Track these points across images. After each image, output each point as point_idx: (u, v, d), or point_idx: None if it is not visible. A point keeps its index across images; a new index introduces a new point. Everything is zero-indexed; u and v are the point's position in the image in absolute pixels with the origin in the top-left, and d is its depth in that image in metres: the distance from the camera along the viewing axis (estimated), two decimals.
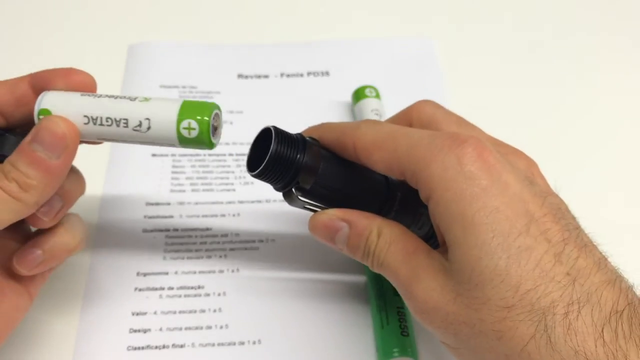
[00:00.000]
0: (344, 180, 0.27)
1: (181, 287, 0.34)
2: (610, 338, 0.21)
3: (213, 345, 0.32)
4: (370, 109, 0.41)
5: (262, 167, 0.25)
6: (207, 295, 0.34)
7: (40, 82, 0.26)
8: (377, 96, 0.43)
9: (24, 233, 0.29)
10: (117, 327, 0.32)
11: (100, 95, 0.25)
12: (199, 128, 0.24)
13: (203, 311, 0.33)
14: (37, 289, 0.29)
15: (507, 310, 0.22)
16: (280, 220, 0.37)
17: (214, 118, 0.24)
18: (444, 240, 0.24)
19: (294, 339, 0.32)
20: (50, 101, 0.25)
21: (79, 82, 0.26)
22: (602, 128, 0.45)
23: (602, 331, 0.21)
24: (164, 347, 0.31)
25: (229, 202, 0.38)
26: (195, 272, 0.34)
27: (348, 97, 0.44)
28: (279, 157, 0.25)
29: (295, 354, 0.32)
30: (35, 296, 0.29)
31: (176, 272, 0.34)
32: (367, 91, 0.43)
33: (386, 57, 0.48)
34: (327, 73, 0.47)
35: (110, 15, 0.50)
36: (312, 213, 0.28)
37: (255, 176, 0.26)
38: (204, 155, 0.40)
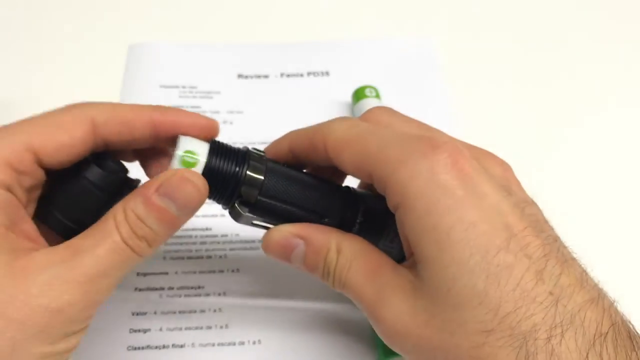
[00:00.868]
0: (294, 192, 0.25)
1: (181, 287, 0.34)
2: None
3: (213, 345, 0.32)
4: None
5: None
6: (207, 295, 0.34)
7: (163, 121, 0.25)
8: (377, 96, 0.43)
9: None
10: (117, 327, 0.32)
11: None
12: None
13: (203, 311, 0.33)
14: None
15: (486, 335, 0.20)
16: None
17: None
18: (412, 252, 0.23)
19: (294, 339, 0.32)
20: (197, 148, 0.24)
21: (204, 128, 0.25)
22: (601, 128, 0.45)
23: (587, 357, 0.19)
24: (164, 347, 0.31)
25: None
26: (195, 272, 0.34)
27: (348, 97, 0.44)
28: (214, 171, 0.24)
29: (295, 354, 0.32)
30: None
31: (176, 272, 0.34)
32: (367, 91, 0.43)
33: (386, 57, 0.48)
34: (327, 73, 0.47)
35: (110, 15, 0.50)
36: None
37: None
38: None
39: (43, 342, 0.21)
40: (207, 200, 0.25)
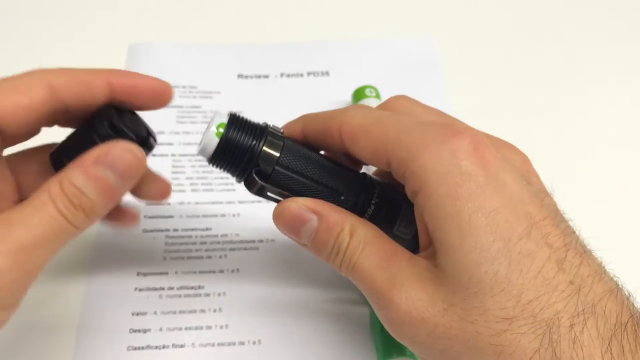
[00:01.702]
0: (311, 166, 0.25)
1: (181, 287, 0.34)
2: (618, 352, 0.19)
3: (213, 345, 0.32)
4: None
5: (214, 150, 0.25)
6: (207, 295, 0.34)
7: (119, 82, 0.25)
8: (377, 96, 0.43)
9: None
10: (117, 327, 0.32)
11: None
12: None
13: (203, 311, 0.33)
14: None
15: (508, 322, 0.20)
16: None
17: None
18: (429, 242, 0.23)
19: (294, 339, 0.32)
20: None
21: (157, 90, 0.26)
22: (602, 128, 0.45)
23: (610, 344, 0.19)
24: (164, 347, 0.31)
25: (229, 202, 0.38)
26: (195, 272, 0.34)
27: (348, 97, 0.44)
28: (234, 142, 0.25)
29: (295, 354, 0.32)
30: None
31: (176, 272, 0.34)
32: (367, 91, 0.43)
33: (386, 57, 0.48)
34: (327, 73, 0.47)
35: (111, 15, 0.50)
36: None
37: (211, 162, 0.26)
38: None
39: None
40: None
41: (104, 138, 0.24)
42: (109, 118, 0.25)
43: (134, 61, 0.46)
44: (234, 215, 0.37)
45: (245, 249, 0.36)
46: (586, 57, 0.50)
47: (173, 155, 0.40)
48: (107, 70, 0.25)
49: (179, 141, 0.41)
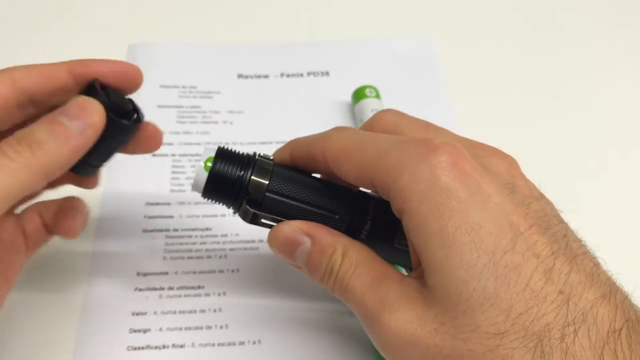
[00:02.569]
0: (301, 189, 0.26)
1: (181, 287, 0.34)
2: None
3: (213, 345, 0.32)
4: (370, 109, 0.41)
5: (205, 185, 0.25)
6: (207, 295, 0.34)
7: (82, 71, 0.25)
8: (377, 96, 0.43)
9: None
10: (117, 327, 0.32)
11: None
12: None
13: (203, 311, 0.33)
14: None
15: (500, 337, 0.20)
16: None
17: None
18: (418, 262, 0.22)
19: (294, 339, 0.32)
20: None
21: (123, 74, 0.26)
22: (602, 128, 0.45)
23: (602, 354, 0.19)
24: (164, 347, 0.31)
25: None
26: (195, 272, 0.34)
27: (348, 97, 0.44)
28: (222, 175, 0.25)
29: (295, 354, 0.32)
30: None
31: (176, 272, 0.34)
32: (367, 91, 0.43)
33: (386, 57, 0.48)
34: (327, 73, 0.47)
35: (110, 15, 0.50)
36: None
37: (204, 196, 0.26)
38: None
39: None
40: (212, 202, 0.26)
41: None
42: (91, 84, 0.25)
43: (133, 61, 0.45)
44: (234, 215, 0.37)
45: (245, 249, 0.36)
46: (586, 57, 0.50)
47: (173, 155, 0.40)
48: (69, 61, 0.26)
49: (179, 141, 0.41)
